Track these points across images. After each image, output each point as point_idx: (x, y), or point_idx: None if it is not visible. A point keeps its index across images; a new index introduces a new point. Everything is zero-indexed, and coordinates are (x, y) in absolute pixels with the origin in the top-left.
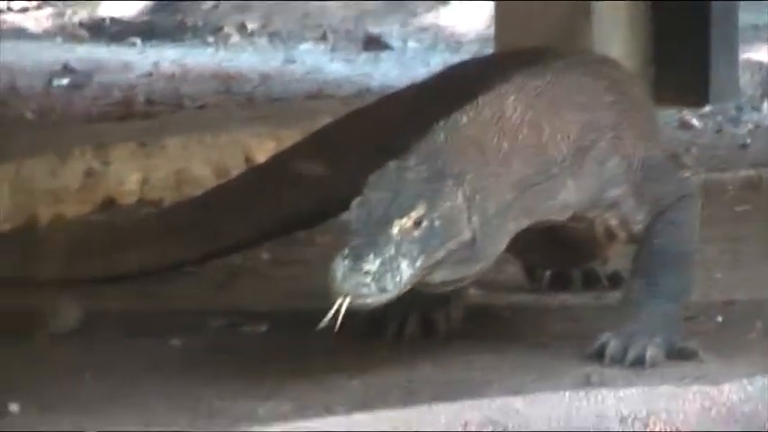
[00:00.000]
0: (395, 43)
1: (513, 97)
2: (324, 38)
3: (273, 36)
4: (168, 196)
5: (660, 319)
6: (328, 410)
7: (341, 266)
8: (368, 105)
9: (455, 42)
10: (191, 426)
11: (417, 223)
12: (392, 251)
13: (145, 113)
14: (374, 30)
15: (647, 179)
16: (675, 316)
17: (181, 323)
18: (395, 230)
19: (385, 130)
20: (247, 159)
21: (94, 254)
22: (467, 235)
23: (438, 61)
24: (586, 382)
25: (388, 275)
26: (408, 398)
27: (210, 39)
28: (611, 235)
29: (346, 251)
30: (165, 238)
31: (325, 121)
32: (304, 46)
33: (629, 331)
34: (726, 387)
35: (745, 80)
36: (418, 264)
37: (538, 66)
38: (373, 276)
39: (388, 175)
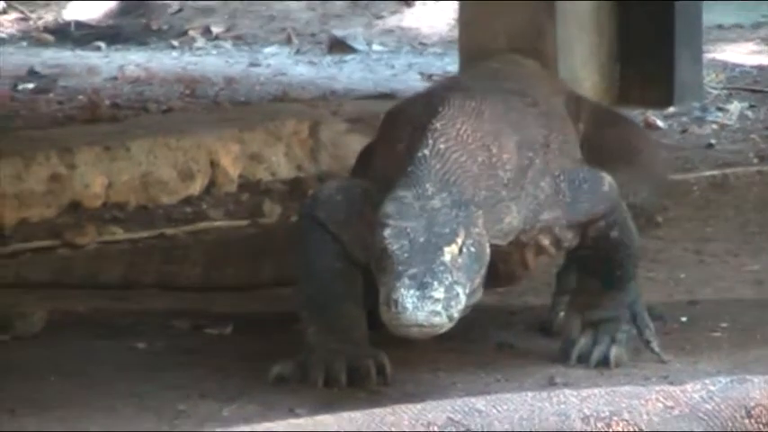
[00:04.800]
0: (359, 46)
1: (461, 119)
2: (288, 41)
3: (238, 39)
4: (134, 200)
5: (621, 304)
6: (292, 412)
7: (408, 296)
8: None
9: (419, 44)
10: (155, 427)
11: (461, 250)
12: (450, 278)
13: (110, 117)
14: (339, 32)
15: (574, 201)
16: (635, 298)
17: (146, 325)
18: (447, 258)
19: None
20: (212, 163)
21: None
22: (488, 259)
23: (403, 63)
24: (550, 383)
25: (453, 303)
26: (373, 398)
27: (175, 42)
28: (540, 252)
29: (407, 281)
30: None
31: (289, 123)
32: (268, 49)
33: (595, 319)
34: (689, 386)
35: (710, 80)
36: (467, 290)
37: (468, 87)
38: (443, 304)
39: (409, 205)
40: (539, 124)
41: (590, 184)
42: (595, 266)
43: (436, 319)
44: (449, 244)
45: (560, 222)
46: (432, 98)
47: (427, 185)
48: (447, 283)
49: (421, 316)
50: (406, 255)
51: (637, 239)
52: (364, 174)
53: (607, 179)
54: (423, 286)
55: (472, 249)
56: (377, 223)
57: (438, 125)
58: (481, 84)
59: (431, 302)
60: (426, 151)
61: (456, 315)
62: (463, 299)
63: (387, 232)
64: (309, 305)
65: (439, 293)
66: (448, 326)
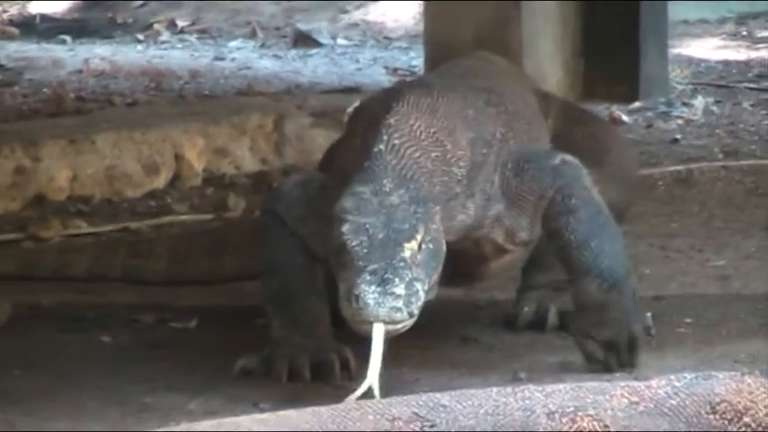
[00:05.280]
0: (324, 40)
1: (414, 115)
2: (253, 34)
3: (203, 33)
4: (98, 193)
5: (625, 300)
6: (256, 406)
7: (370, 292)
8: None
9: (384, 38)
10: (121, 421)
11: (420, 246)
12: (410, 275)
13: (75, 110)
14: (303, 26)
15: (520, 184)
16: (634, 293)
17: (111, 319)
18: (407, 254)
19: None
20: (177, 156)
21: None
22: (444, 255)
23: (367, 57)
24: (514, 378)
25: (413, 299)
26: (337, 393)
27: (140, 36)
28: (500, 250)
29: (368, 277)
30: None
31: (254, 117)
32: (233, 43)
33: (606, 339)
34: (653, 382)
35: (676, 75)
36: (426, 286)
37: (428, 84)
38: (403, 301)
39: (367, 201)
40: (498, 122)
41: (536, 162)
42: (577, 260)
43: (397, 315)
44: (408, 240)
45: (510, 213)
46: (390, 95)
47: (384, 181)
48: (407, 279)
49: (382, 312)
50: (365, 251)
51: (610, 219)
52: (328, 168)
53: (560, 156)
54: (384, 282)
55: (431, 246)
56: (335, 218)
57: (392, 121)
58: (446, 81)
59: (392, 298)
60: (382, 146)
61: (416, 311)
62: (422, 295)
63: (345, 228)
64: (274, 300)
65: (400, 290)
66: (408, 322)
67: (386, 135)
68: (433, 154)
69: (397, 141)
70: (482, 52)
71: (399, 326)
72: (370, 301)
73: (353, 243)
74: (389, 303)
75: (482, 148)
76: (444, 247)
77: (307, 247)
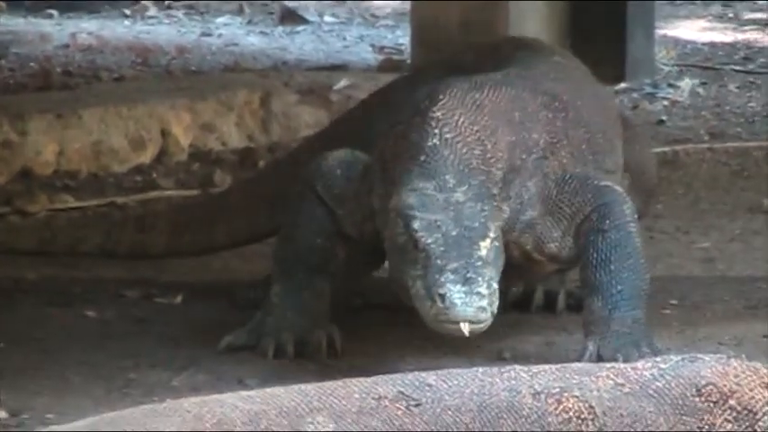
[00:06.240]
0: (311, 17)
1: (459, 111)
2: (240, 11)
3: (190, 9)
4: (85, 167)
5: (632, 326)
6: (241, 383)
7: (456, 292)
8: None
9: (371, 16)
10: (105, 396)
11: (491, 245)
12: (488, 274)
13: (62, 85)
14: (290, 3)
15: (560, 194)
16: (643, 320)
17: (96, 294)
18: (484, 253)
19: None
20: (164, 132)
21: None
22: (504, 254)
23: (354, 35)
24: (499, 357)
25: (494, 298)
26: (322, 371)
27: (128, 11)
28: (529, 258)
29: (451, 276)
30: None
31: (241, 93)
32: (221, 19)
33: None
34: (639, 364)
35: (662, 56)
36: (497, 284)
37: (482, 79)
38: (488, 300)
39: (432, 197)
40: (547, 127)
41: (582, 178)
42: (592, 277)
43: (482, 315)
44: (483, 239)
45: (543, 221)
46: (440, 84)
47: (447, 177)
48: (487, 278)
49: (470, 312)
50: (442, 248)
51: (639, 252)
52: (357, 139)
53: (609, 182)
54: (467, 282)
55: (497, 244)
56: (393, 214)
57: (439, 114)
58: (512, 79)
59: (478, 298)
60: (436, 141)
61: (495, 311)
62: (498, 294)
63: (416, 225)
64: (282, 266)
65: (484, 289)
66: (489, 322)
67: (437, 129)
68: (476, 151)
69: (448, 136)
70: (560, 49)
71: (482, 326)
72: (457, 301)
73: (428, 241)
74: (476, 303)
75: (521, 153)
76: (503, 247)
77: (332, 228)
